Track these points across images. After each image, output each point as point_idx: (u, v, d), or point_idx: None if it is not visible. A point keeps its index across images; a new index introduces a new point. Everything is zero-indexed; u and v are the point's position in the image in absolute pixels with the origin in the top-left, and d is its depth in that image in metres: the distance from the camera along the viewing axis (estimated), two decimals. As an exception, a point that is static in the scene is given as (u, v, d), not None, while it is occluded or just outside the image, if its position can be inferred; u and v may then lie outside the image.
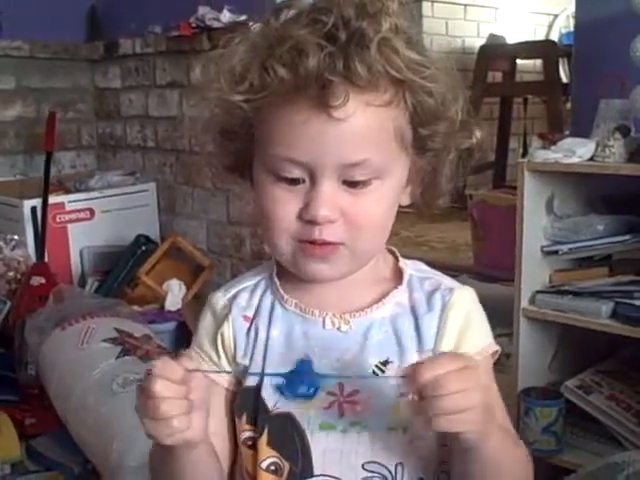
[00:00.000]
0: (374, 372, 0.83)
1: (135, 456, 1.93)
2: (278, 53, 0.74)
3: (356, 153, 0.76)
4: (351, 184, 0.78)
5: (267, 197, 0.80)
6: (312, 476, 0.82)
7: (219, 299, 0.90)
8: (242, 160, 0.84)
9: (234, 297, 0.89)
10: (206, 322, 0.90)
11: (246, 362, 0.86)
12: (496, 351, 0.87)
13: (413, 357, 0.82)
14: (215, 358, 0.89)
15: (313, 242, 0.79)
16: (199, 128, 0.85)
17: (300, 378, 0.80)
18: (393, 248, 0.91)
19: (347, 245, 0.80)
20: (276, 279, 0.88)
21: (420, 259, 0.94)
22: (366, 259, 0.84)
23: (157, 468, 0.85)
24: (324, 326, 0.84)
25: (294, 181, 0.78)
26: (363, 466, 0.81)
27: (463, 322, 0.84)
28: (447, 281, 0.89)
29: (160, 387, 0.72)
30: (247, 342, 0.87)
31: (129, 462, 1.93)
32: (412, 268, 0.89)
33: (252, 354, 0.86)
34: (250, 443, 0.84)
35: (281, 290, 0.87)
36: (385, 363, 0.83)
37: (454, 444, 0.77)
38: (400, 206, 0.86)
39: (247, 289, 0.90)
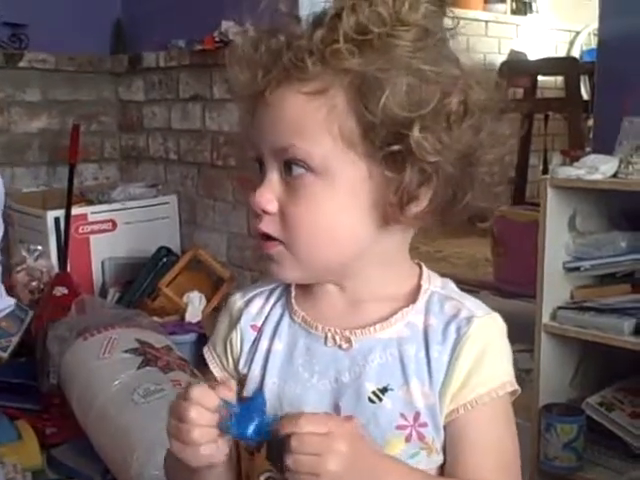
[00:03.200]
0: (370, 399, 0.79)
1: (156, 466, 1.94)
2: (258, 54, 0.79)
3: (281, 138, 0.76)
4: (290, 175, 0.77)
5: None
6: None
7: (236, 302, 0.90)
8: None
9: (248, 302, 0.89)
10: (222, 325, 0.90)
11: (245, 371, 0.86)
12: (514, 391, 0.81)
13: (415, 387, 0.78)
14: (225, 362, 0.89)
15: (259, 235, 0.80)
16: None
17: (250, 414, 0.74)
18: (421, 263, 0.86)
19: (286, 244, 0.79)
20: (292, 288, 0.87)
21: (440, 274, 0.89)
22: (321, 268, 0.80)
23: (173, 476, 0.87)
24: (326, 343, 0.82)
25: (260, 169, 0.81)
26: None
27: (476, 358, 0.78)
28: (470, 305, 0.82)
29: (195, 414, 0.73)
30: (249, 351, 0.86)
31: (150, 471, 1.94)
32: (437, 286, 0.84)
33: (251, 364, 0.85)
34: (249, 450, 0.84)
35: (292, 301, 0.86)
36: (384, 390, 0.79)
37: None
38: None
39: (263, 294, 0.89)
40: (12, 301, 1.28)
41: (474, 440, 0.79)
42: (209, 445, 0.74)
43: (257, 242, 0.82)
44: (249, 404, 0.77)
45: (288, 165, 0.77)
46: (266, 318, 0.87)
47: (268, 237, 0.80)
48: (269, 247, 0.80)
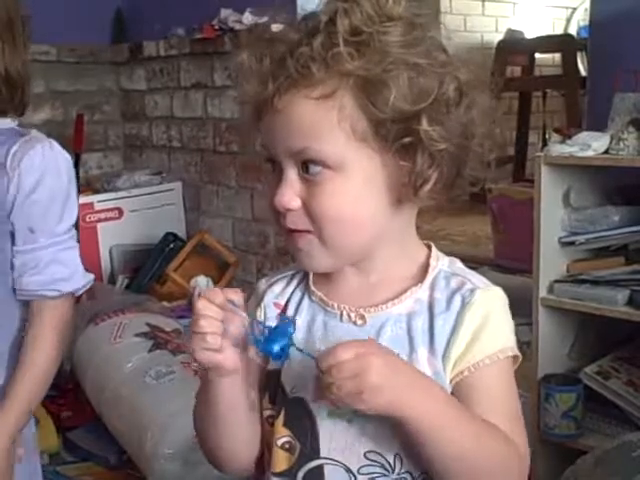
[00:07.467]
0: None
1: (169, 444, 2.01)
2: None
3: (296, 142, 0.81)
4: (307, 172, 0.82)
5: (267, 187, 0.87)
6: (319, 458, 0.87)
7: (261, 285, 0.97)
8: None
9: (271, 285, 0.95)
10: (250, 306, 0.96)
11: None
12: (515, 356, 0.86)
13: (422, 355, 0.84)
14: None
15: (286, 229, 0.85)
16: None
17: (275, 336, 0.82)
18: (431, 243, 0.92)
19: (315, 234, 0.83)
20: (311, 273, 0.93)
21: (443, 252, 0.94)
22: (348, 253, 0.86)
23: (199, 411, 0.93)
24: (341, 319, 0.88)
25: (274, 169, 0.86)
26: (365, 454, 0.85)
27: (479, 324, 0.83)
28: (475, 280, 0.87)
29: (201, 305, 0.81)
30: None
31: (164, 449, 2.01)
32: (445, 264, 0.89)
33: None
34: (270, 421, 0.90)
35: (311, 283, 0.92)
36: None
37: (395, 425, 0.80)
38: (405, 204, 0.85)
39: (285, 278, 0.95)
40: (92, 276, 1.37)
41: (478, 399, 0.84)
42: (214, 336, 0.81)
43: (286, 238, 0.87)
44: (280, 327, 0.84)
45: (305, 164, 0.82)
46: (289, 299, 0.93)
47: (295, 230, 0.85)
48: (299, 238, 0.85)
